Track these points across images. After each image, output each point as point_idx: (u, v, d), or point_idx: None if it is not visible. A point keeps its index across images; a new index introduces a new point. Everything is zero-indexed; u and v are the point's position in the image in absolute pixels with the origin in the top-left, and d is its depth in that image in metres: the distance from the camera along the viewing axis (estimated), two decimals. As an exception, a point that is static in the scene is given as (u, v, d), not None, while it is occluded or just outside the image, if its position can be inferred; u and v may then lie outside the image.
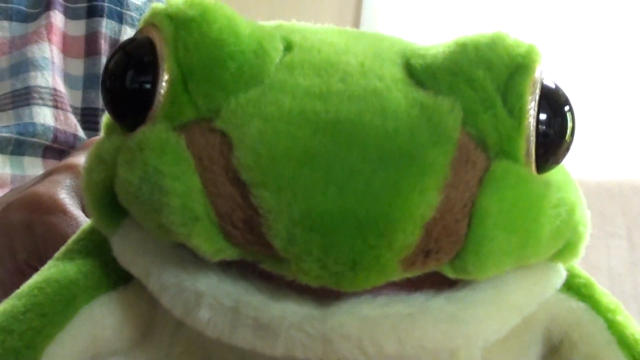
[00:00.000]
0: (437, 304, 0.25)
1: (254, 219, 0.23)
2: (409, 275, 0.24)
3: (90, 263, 0.29)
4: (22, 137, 0.63)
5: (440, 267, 0.24)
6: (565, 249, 0.27)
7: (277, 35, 0.27)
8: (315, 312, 0.24)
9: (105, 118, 0.29)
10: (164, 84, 0.26)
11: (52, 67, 0.67)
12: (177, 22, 0.26)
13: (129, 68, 0.27)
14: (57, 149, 0.66)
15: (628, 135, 1.73)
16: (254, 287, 0.25)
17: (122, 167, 0.26)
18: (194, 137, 0.25)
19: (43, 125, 0.64)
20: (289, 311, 0.24)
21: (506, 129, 0.25)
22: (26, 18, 0.69)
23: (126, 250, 0.27)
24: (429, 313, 0.25)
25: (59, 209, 0.42)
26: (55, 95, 0.66)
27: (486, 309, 0.25)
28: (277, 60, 0.26)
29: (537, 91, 0.25)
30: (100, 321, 0.28)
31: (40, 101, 0.65)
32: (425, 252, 0.24)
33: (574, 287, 0.30)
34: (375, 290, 0.24)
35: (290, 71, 0.26)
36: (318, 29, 0.29)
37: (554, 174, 0.27)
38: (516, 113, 0.25)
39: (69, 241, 0.31)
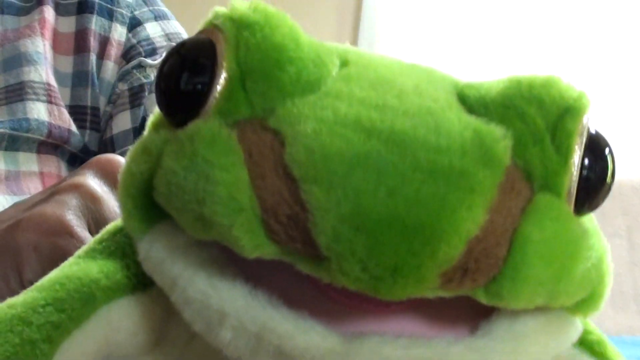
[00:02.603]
0: (458, 352, 0.25)
1: (300, 215, 0.24)
2: (444, 294, 0.25)
3: (112, 264, 0.29)
4: (16, 133, 0.62)
5: (475, 289, 0.25)
6: (590, 298, 0.27)
7: (335, 51, 0.28)
8: (339, 347, 0.24)
9: (151, 117, 0.30)
10: (222, 80, 0.26)
11: (45, 62, 0.66)
12: (240, 24, 0.26)
13: (184, 70, 0.27)
14: (51, 144, 0.65)
15: (628, 135, 1.74)
16: (280, 315, 0.25)
17: (169, 156, 0.26)
18: (246, 133, 0.25)
19: (37, 120, 0.63)
20: (313, 344, 0.24)
21: (552, 165, 0.26)
22: (19, 11, 0.69)
23: (153, 257, 0.27)
24: (451, 346, 0.25)
25: (66, 231, 0.42)
26: (49, 90, 0.65)
27: (500, 357, 0.25)
28: (334, 72, 0.27)
29: (585, 135, 0.26)
30: (116, 324, 0.28)
31: (34, 96, 0.64)
32: (464, 269, 0.24)
33: (586, 343, 0.30)
34: (399, 328, 0.25)
35: (346, 82, 0.26)
36: (372, 54, 0.29)
37: (587, 221, 0.27)
38: (563, 151, 0.26)
39: (92, 240, 0.31)
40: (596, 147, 0.27)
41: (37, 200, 0.45)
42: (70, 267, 0.29)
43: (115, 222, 0.31)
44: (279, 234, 0.24)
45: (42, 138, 0.64)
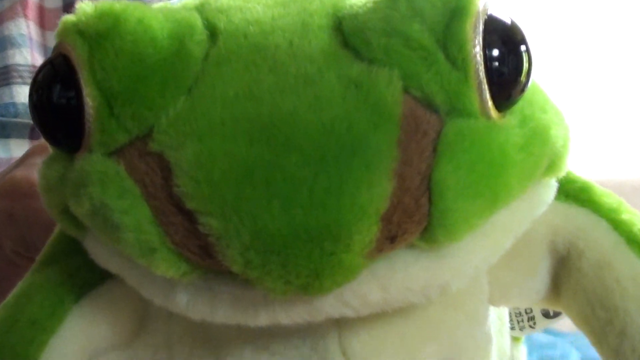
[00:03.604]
0: (417, 245, 0.24)
1: (209, 245, 0.23)
2: (380, 258, 0.23)
3: (74, 263, 0.28)
4: (4, 119, 0.62)
5: (410, 243, 0.23)
6: (549, 170, 0.26)
7: (199, 23, 0.25)
8: None
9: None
10: (90, 111, 0.24)
11: (29, 43, 0.65)
12: (90, 40, 0.24)
13: (54, 84, 0.25)
14: None
15: (628, 135, 1.73)
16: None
17: (70, 200, 0.25)
18: (133, 161, 0.24)
19: (24, 104, 0.62)
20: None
21: (453, 85, 0.23)
22: None
23: (99, 251, 0.27)
24: (409, 255, 0.24)
25: (37, 192, 0.40)
26: (34, 72, 0.64)
27: (471, 239, 0.24)
28: (202, 54, 0.24)
29: (480, 31, 0.23)
30: (92, 318, 0.28)
31: (19, 79, 0.63)
32: (389, 238, 0.23)
33: (571, 193, 0.29)
34: None
35: (218, 69, 0.24)
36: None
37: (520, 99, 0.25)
38: (460, 64, 0.23)
39: (45, 248, 0.30)
40: (507, 38, 0.24)
41: (11, 168, 0.44)
42: (32, 277, 0.28)
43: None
44: (198, 262, 0.23)
45: (32, 122, 0.63)
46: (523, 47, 0.24)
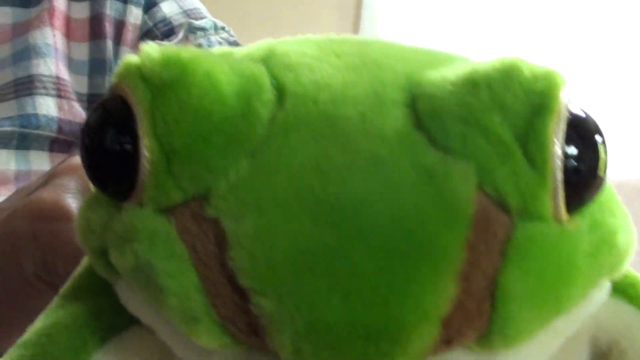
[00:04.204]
0: (471, 348, 0.23)
1: (259, 324, 0.21)
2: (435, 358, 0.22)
3: (101, 302, 0.27)
4: (26, 130, 0.61)
5: (466, 346, 0.22)
6: (610, 271, 0.25)
7: (267, 80, 0.23)
8: None
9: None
10: (146, 164, 0.23)
11: (55, 53, 0.64)
12: (154, 89, 0.23)
13: (109, 127, 0.24)
14: (64, 141, 0.63)
15: (628, 135, 1.73)
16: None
17: (113, 251, 0.24)
18: (185, 222, 0.22)
19: (46, 116, 0.62)
20: None
21: (528, 186, 0.22)
22: (29, 3, 0.66)
23: (132, 297, 0.25)
24: (461, 356, 0.22)
25: (65, 216, 0.40)
26: (58, 84, 0.63)
27: (524, 343, 0.23)
28: (269, 116, 0.23)
29: (561, 130, 0.22)
30: None
31: (43, 90, 0.62)
32: (446, 342, 0.22)
33: (619, 288, 0.27)
34: None
35: (284, 136, 0.22)
36: (312, 54, 0.25)
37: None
38: (538, 164, 0.22)
39: (70, 281, 0.28)
40: (584, 133, 0.23)
41: (37, 185, 0.43)
42: (55, 312, 0.27)
43: None
44: (243, 339, 0.22)
45: (52, 135, 0.62)
46: (599, 139, 0.23)
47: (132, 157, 0.23)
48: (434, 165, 0.22)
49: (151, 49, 0.23)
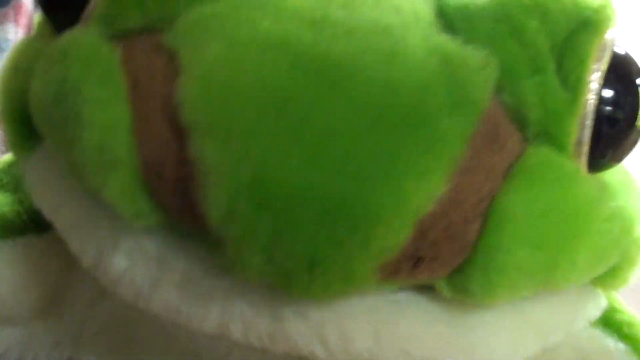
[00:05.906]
0: (439, 292, 0.19)
1: (189, 177, 0.17)
2: (387, 287, 0.18)
3: (1, 198, 0.24)
4: None
5: (433, 280, 0.18)
6: (610, 274, 0.22)
7: None
8: None
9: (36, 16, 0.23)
10: None
11: None
12: None
13: None
14: None
15: None
16: (189, 237, 0.19)
17: (38, 78, 0.20)
18: (133, 52, 0.19)
19: None
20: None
21: (556, 104, 0.19)
22: (1, 3, 0.66)
23: (37, 181, 0.22)
24: (423, 307, 0.19)
25: None
26: None
27: (500, 322, 0.19)
28: None
29: (606, 59, 0.19)
30: None
31: None
32: (415, 258, 0.18)
33: (613, 324, 0.24)
34: None
35: None
36: None
37: (613, 174, 0.21)
38: (572, 84, 0.19)
39: None
40: (625, 75, 0.20)
41: None
42: None
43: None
44: (164, 198, 0.18)
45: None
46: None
47: None
48: (450, 47, 0.18)
49: None
